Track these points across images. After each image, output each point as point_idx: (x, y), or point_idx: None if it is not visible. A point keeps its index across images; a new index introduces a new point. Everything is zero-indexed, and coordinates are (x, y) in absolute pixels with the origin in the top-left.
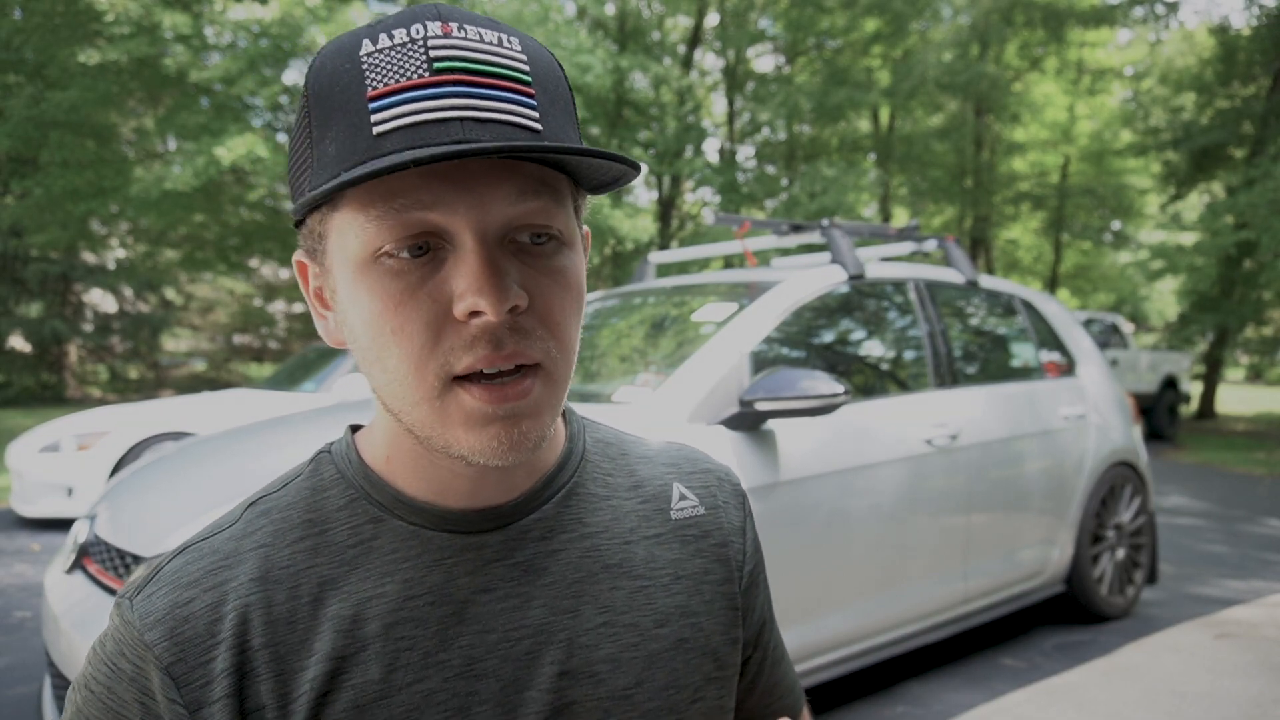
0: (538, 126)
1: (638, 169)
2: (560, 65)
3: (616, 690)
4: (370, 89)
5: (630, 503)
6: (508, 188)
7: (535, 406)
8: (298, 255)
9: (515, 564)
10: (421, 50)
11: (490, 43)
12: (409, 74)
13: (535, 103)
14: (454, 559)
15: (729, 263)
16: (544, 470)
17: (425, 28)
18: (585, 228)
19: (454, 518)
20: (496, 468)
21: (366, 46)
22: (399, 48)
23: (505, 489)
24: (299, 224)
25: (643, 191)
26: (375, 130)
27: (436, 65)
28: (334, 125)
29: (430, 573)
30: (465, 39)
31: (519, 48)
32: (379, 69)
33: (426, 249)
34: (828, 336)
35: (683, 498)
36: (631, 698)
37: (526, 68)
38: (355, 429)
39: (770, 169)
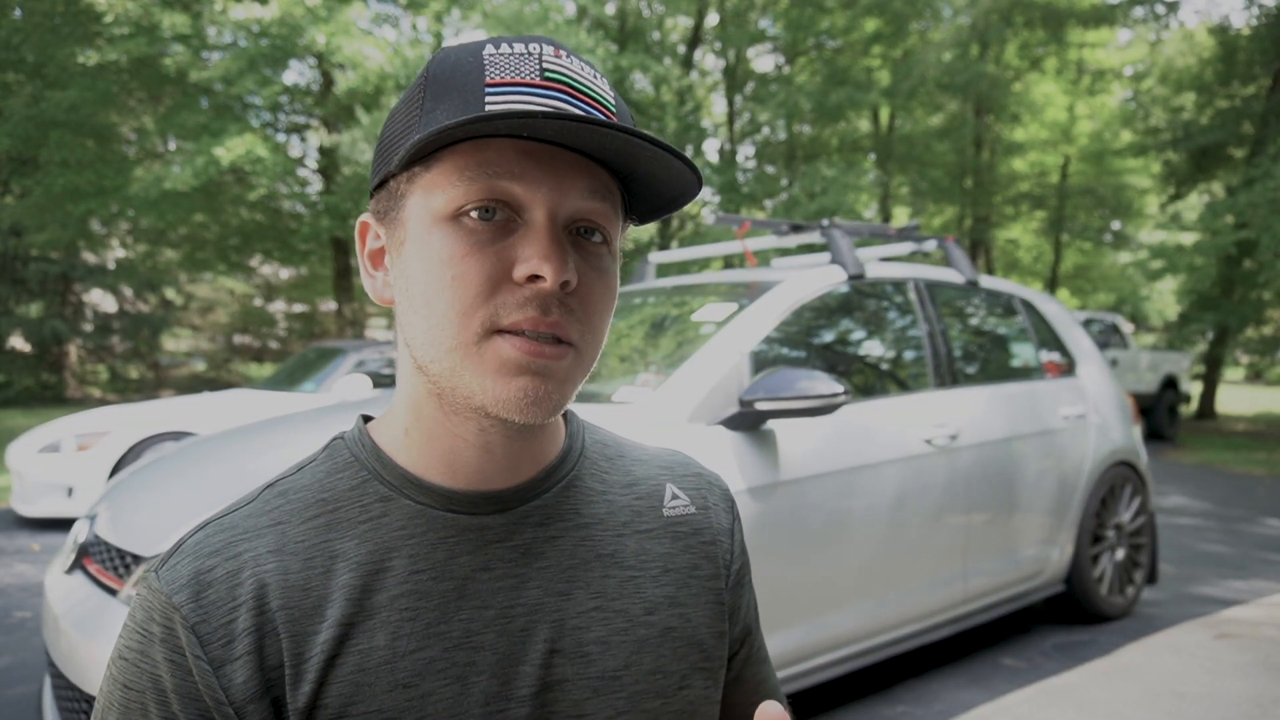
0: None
1: (697, 183)
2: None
3: (606, 671)
4: (489, 78)
5: (625, 499)
6: (585, 183)
7: (564, 372)
8: (363, 217)
9: (514, 546)
10: (536, 61)
11: (589, 75)
12: (523, 74)
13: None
14: (457, 538)
15: (729, 263)
16: (546, 461)
17: (540, 47)
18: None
19: (460, 499)
20: (503, 445)
21: (489, 50)
22: (518, 55)
23: (510, 474)
24: (378, 188)
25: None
26: (488, 107)
27: (547, 74)
28: (448, 100)
29: (435, 550)
30: (571, 65)
31: (608, 86)
32: (498, 65)
33: (494, 214)
34: (828, 336)
35: (675, 497)
36: (619, 679)
37: (613, 101)
38: (367, 419)
39: (770, 169)
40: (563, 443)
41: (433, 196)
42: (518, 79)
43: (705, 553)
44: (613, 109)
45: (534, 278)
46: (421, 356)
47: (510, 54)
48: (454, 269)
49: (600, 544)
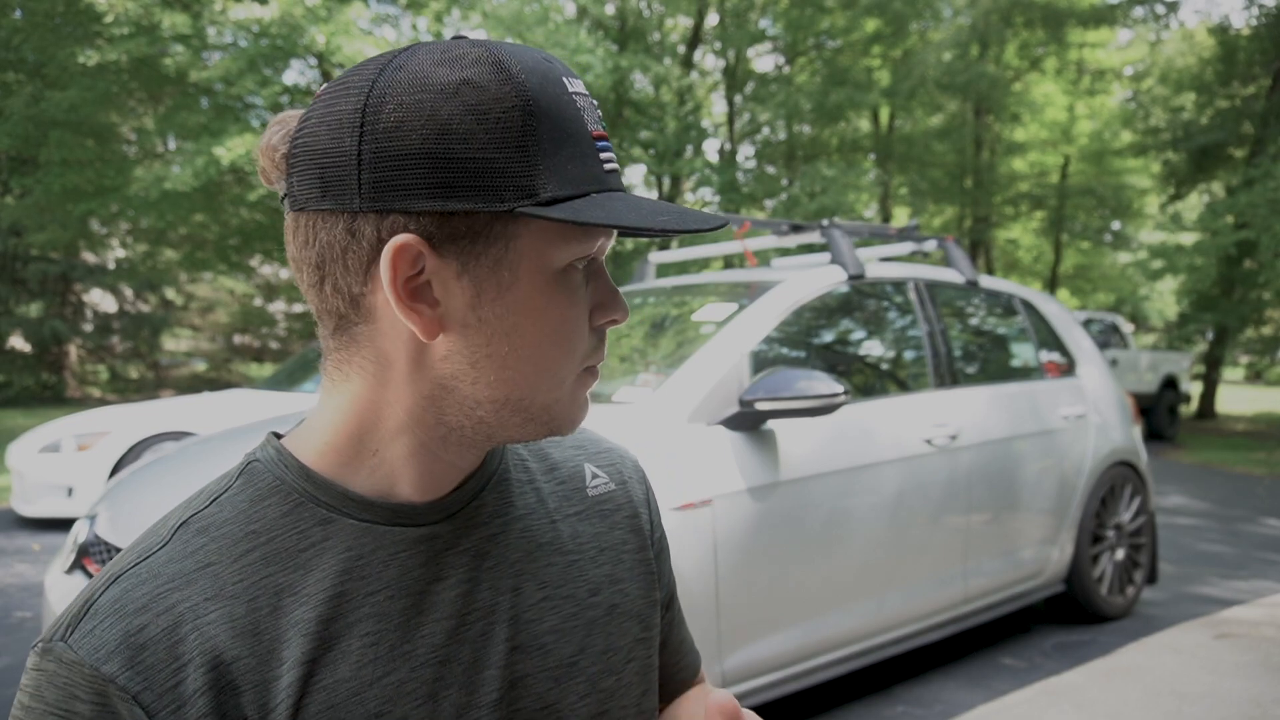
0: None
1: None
2: None
3: (563, 659)
4: (591, 129)
5: (549, 485)
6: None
7: None
8: (405, 239)
9: (463, 550)
10: (593, 106)
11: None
12: (595, 124)
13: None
14: (408, 551)
15: (729, 263)
16: (477, 460)
17: (569, 84)
18: None
19: (405, 510)
20: (465, 457)
21: (569, 85)
22: (583, 96)
23: (451, 478)
24: (437, 211)
25: (643, 191)
26: (605, 167)
27: (590, 121)
28: (568, 147)
29: (386, 568)
30: (586, 97)
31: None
32: (586, 110)
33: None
34: (828, 336)
35: (595, 476)
36: (577, 664)
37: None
38: (278, 436)
39: (770, 169)
40: None
41: (550, 249)
42: (598, 130)
43: (631, 526)
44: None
45: (612, 320)
46: (516, 394)
47: (580, 94)
48: (570, 324)
49: (538, 533)
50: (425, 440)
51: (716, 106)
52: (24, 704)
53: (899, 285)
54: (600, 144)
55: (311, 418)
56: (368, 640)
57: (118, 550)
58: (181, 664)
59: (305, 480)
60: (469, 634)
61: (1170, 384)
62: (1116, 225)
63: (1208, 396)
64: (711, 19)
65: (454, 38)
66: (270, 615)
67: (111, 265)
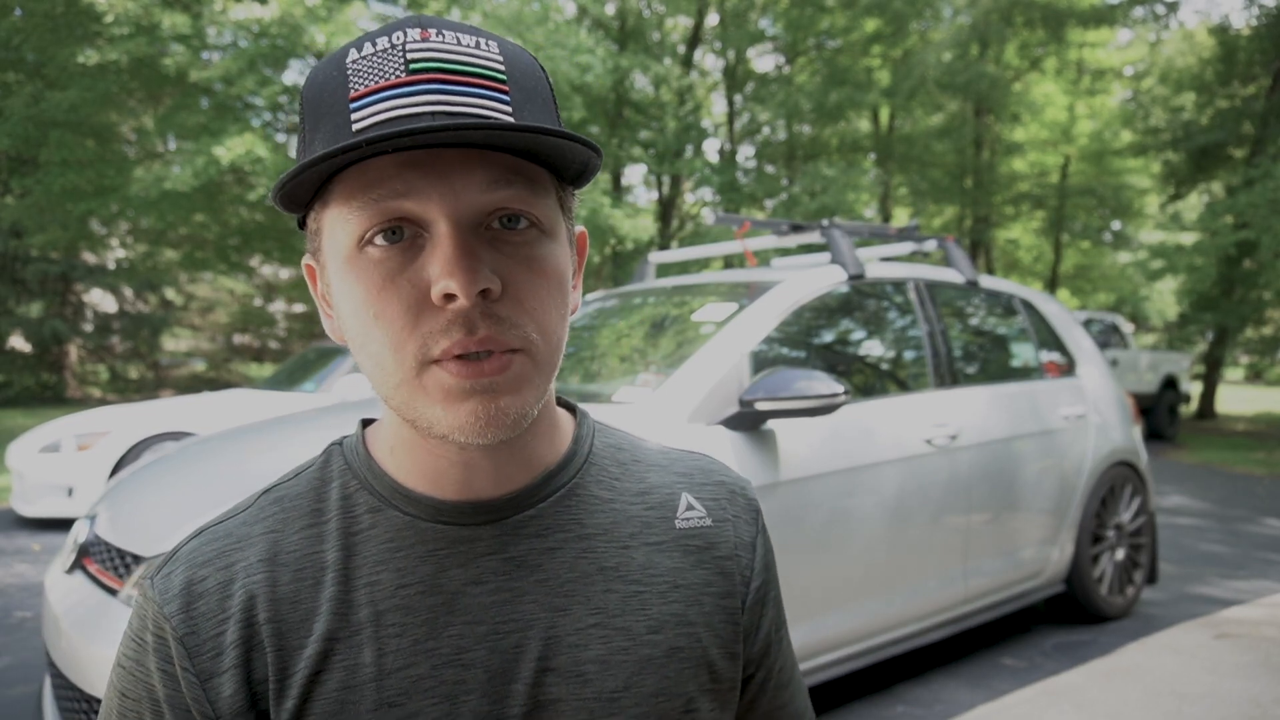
0: (510, 120)
1: (592, 148)
2: (542, 66)
3: (604, 692)
4: (352, 91)
5: (634, 508)
6: (480, 176)
7: (514, 382)
8: (306, 259)
9: (508, 558)
10: (400, 55)
11: (467, 46)
12: (387, 75)
13: (509, 98)
14: (446, 550)
15: (729, 263)
16: (543, 468)
17: (405, 34)
18: (580, 228)
19: (448, 509)
20: (485, 458)
21: (352, 55)
22: (380, 54)
23: (497, 482)
24: (302, 225)
25: (642, 191)
26: (354, 127)
27: (412, 66)
28: (322, 127)
29: (423, 563)
30: (443, 43)
31: (495, 50)
32: (361, 73)
33: (401, 235)
34: (828, 336)
35: (690, 507)
36: (618, 701)
37: (501, 67)
38: (367, 423)
39: (770, 169)
40: (566, 447)
41: (336, 232)
42: (382, 83)
43: (720, 568)
44: (501, 77)
45: (449, 296)
46: (379, 392)
47: (373, 54)
48: (374, 306)
49: (603, 556)
50: (411, 436)
51: (716, 106)
52: (125, 628)
53: (899, 285)
54: (361, 103)
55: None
56: (393, 630)
57: (117, 550)
58: (226, 616)
59: (367, 469)
60: (501, 644)
61: (1170, 384)
62: (1116, 225)
63: (1208, 396)
64: (711, 19)
65: None
66: (312, 588)
67: (111, 265)
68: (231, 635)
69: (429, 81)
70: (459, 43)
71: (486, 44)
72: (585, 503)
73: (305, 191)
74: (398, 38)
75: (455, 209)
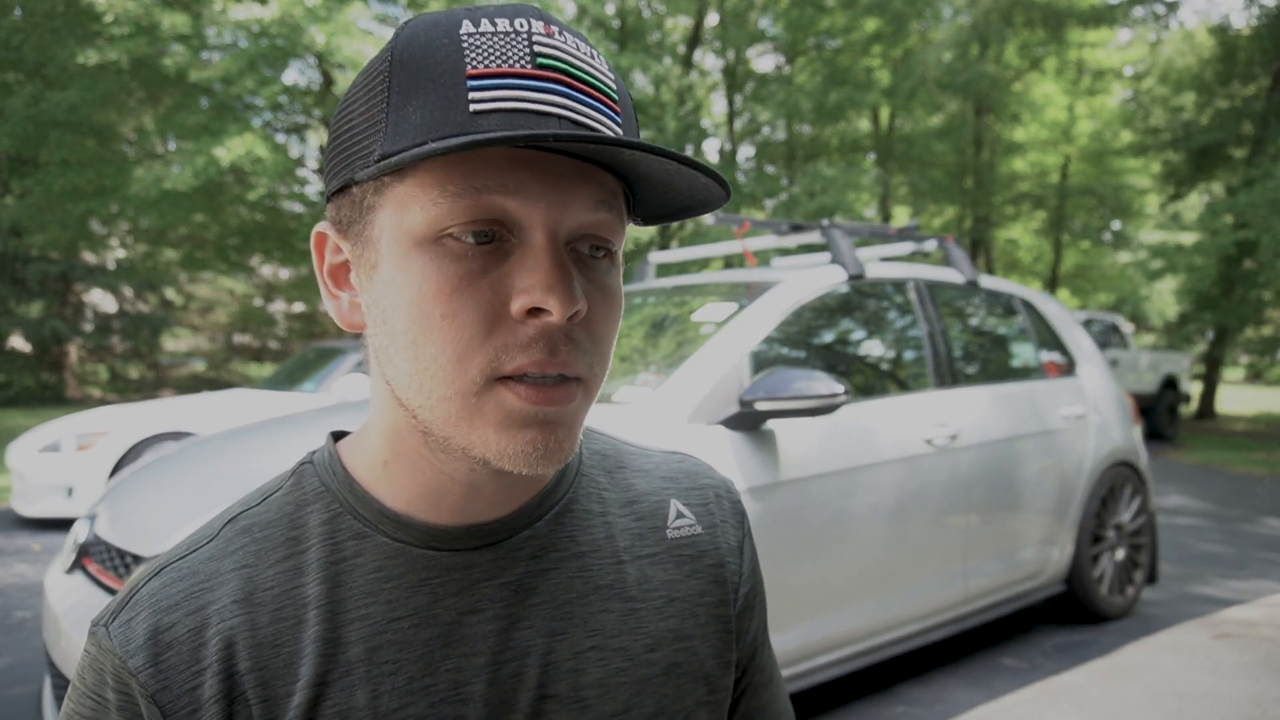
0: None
1: (725, 195)
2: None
3: (603, 716)
4: (470, 67)
5: (624, 520)
6: (588, 192)
7: (573, 416)
8: (320, 227)
9: (505, 584)
10: (525, 43)
11: (586, 54)
12: (512, 62)
13: (620, 118)
14: (440, 579)
15: (729, 263)
16: (539, 486)
17: (529, 23)
18: None
19: (441, 534)
20: (494, 479)
21: (467, 27)
22: (502, 35)
23: (499, 504)
24: (337, 193)
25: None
26: (472, 108)
27: (540, 60)
28: (422, 94)
29: (415, 594)
30: (565, 44)
31: (606, 66)
32: (481, 50)
33: (491, 238)
34: (828, 336)
35: (680, 515)
36: None
37: (614, 84)
38: (338, 436)
39: (770, 169)
40: None
41: (409, 213)
42: (505, 68)
43: (713, 576)
44: (615, 95)
45: (536, 310)
46: (409, 400)
47: (494, 33)
48: (443, 306)
49: (599, 574)
50: (416, 448)
51: (716, 106)
52: (73, 681)
53: (899, 285)
54: (482, 82)
55: (367, 420)
56: (386, 669)
57: (117, 550)
58: (201, 668)
59: (348, 490)
60: (501, 674)
61: (1170, 384)
62: (1116, 225)
63: (1208, 396)
64: (711, 19)
65: None
66: (293, 628)
67: (111, 265)
68: (210, 688)
69: (555, 81)
70: (579, 48)
71: (598, 56)
72: (579, 518)
73: (381, 170)
74: (521, 24)
75: (559, 221)
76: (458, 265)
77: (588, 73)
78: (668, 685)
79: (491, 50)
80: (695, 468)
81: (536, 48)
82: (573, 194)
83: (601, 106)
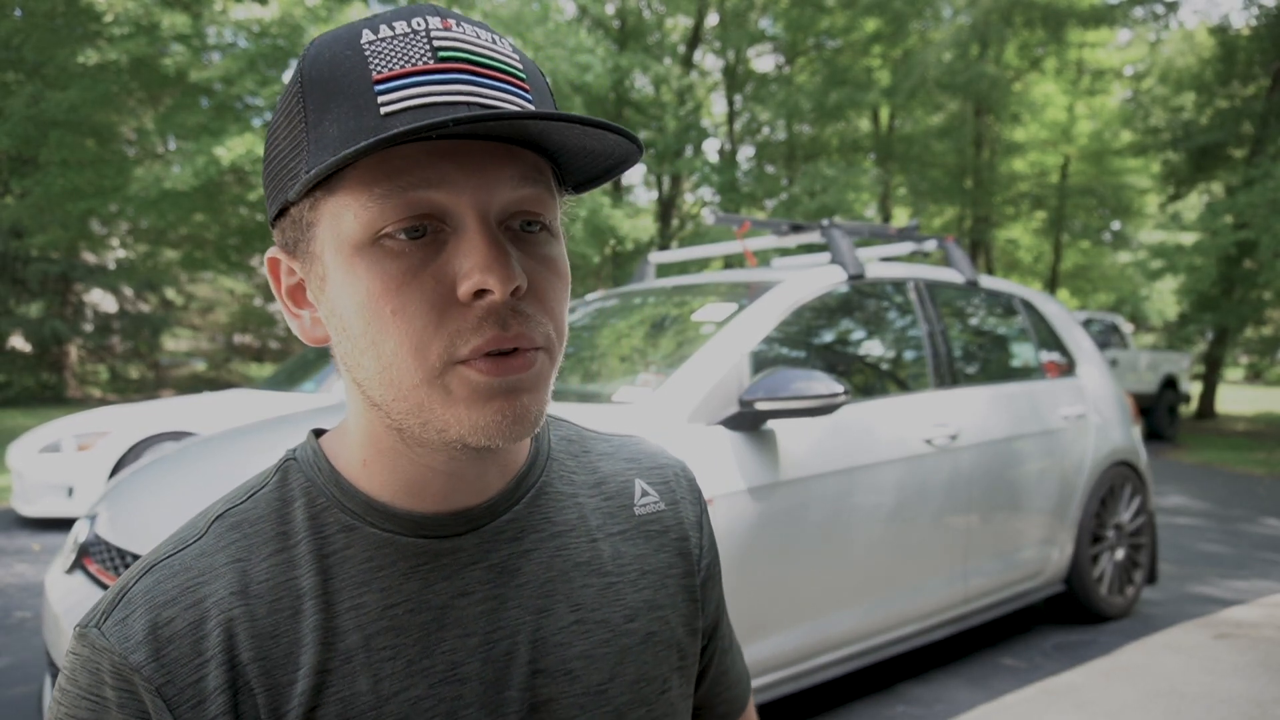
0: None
1: (638, 150)
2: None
3: (591, 686)
4: (376, 73)
5: (594, 500)
6: (511, 171)
7: (536, 380)
8: (271, 252)
9: (490, 566)
10: (425, 40)
11: (487, 40)
12: (414, 60)
13: (530, 97)
14: (430, 565)
15: (729, 263)
16: (515, 470)
17: (426, 21)
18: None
19: (428, 522)
20: (473, 465)
21: (367, 35)
22: (401, 37)
23: (478, 490)
24: (278, 217)
25: (642, 191)
26: (383, 110)
27: (440, 54)
28: (335, 108)
29: (407, 580)
30: (464, 35)
31: (510, 48)
32: (383, 55)
33: (425, 231)
34: (828, 336)
35: (645, 494)
36: (605, 692)
37: (520, 64)
38: (319, 433)
39: (770, 169)
40: (530, 445)
41: (344, 222)
42: (409, 68)
43: (678, 550)
44: (522, 75)
45: (481, 292)
46: (379, 397)
47: (393, 37)
48: (392, 302)
49: (576, 552)
50: (394, 446)
51: (716, 106)
52: (61, 686)
53: (899, 285)
54: (388, 85)
55: (344, 420)
56: (385, 654)
57: (118, 550)
58: (204, 660)
59: (334, 485)
60: (493, 653)
61: (1170, 384)
62: (1116, 225)
63: (1208, 396)
64: (711, 19)
65: None
66: (291, 618)
67: (111, 265)
68: (214, 679)
69: (458, 71)
70: (479, 37)
71: (501, 41)
72: (553, 500)
73: (308, 185)
74: (419, 23)
75: (487, 203)
76: (398, 262)
77: (490, 58)
78: (646, 653)
79: (393, 53)
80: (653, 449)
81: (436, 43)
82: (494, 175)
83: (509, 87)
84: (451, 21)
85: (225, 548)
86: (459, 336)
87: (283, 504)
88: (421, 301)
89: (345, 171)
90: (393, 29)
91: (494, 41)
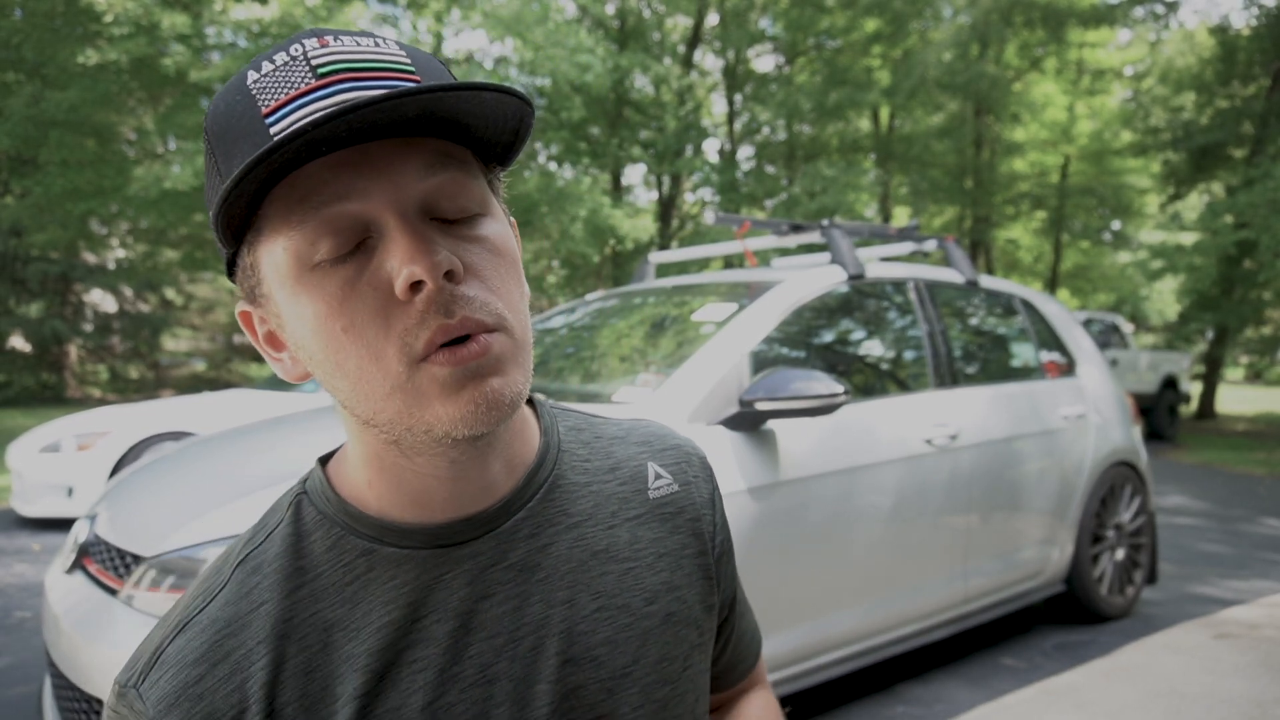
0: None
1: (523, 101)
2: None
3: (616, 670)
4: (264, 107)
5: (610, 485)
6: (416, 162)
7: (499, 362)
8: (239, 306)
9: (510, 566)
10: (304, 64)
11: (366, 46)
12: (296, 85)
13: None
14: (451, 573)
15: (729, 263)
16: (524, 468)
17: (304, 45)
18: (512, 218)
19: (442, 531)
20: (474, 466)
21: (252, 76)
22: (282, 67)
23: (488, 492)
24: (231, 268)
25: (642, 191)
26: (277, 139)
27: (320, 71)
28: (238, 152)
29: (431, 593)
30: (343, 47)
31: (396, 47)
32: (268, 89)
33: (354, 247)
34: (828, 336)
35: (658, 476)
36: (630, 674)
37: (407, 59)
38: (325, 460)
39: (770, 169)
40: (538, 441)
41: (276, 257)
42: (292, 93)
43: (692, 530)
44: (410, 69)
45: (416, 285)
46: (365, 414)
47: (274, 69)
48: (341, 320)
49: (593, 540)
50: (395, 461)
51: (716, 106)
52: None
53: (899, 285)
54: (276, 115)
55: (344, 446)
56: (416, 667)
57: (118, 550)
58: (239, 712)
59: (344, 512)
60: (519, 650)
61: (1170, 384)
62: (1116, 225)
63: (1208, 396)
64: (711, 19)
65: None
66: (321, 652)
67: (111, 265)
68: None
69: (340, 81)
70: (359, 45)
71: (386, 43)
72: (567, 492)
73: (238, 219)
74: (296, 50)
75: (399, 199)
76: (334, 279)
77: (372, 62)
78: (667, 634)
79: (277, 84)
80: (663, 430)
81: (315, 62)
82: (399, 170)
83: (396, 83)
84: (329, 39)
85: (249, 594)
86: (409, 334)
87: (298, 539)
88: (366, 311)
89: (265, 210)
90: (274, 62)
91: (376, 45)
